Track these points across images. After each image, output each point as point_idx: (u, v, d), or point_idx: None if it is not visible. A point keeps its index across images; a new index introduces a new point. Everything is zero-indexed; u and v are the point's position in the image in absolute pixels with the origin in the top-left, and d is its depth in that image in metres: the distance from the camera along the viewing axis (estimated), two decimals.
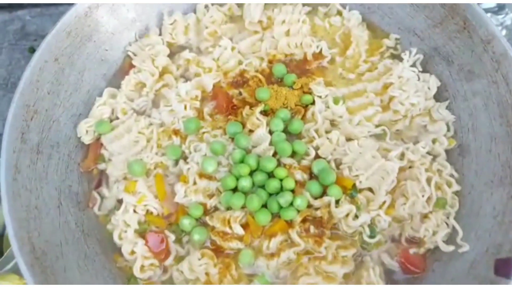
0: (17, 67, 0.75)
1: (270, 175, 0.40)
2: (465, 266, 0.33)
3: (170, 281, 0.39)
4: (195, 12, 0.52)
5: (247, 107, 0.44)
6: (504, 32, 0.67)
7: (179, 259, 0.39)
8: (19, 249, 0.34)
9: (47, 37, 0.44)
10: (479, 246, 0.33)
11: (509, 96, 0.35)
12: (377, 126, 0.42)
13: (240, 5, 0.51)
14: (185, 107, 0.45)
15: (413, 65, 0.43)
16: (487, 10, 0.70)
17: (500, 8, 0.71)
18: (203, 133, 0.44)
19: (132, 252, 0.39)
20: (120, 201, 0.42)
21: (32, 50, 0.76)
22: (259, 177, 0.40)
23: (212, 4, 0.52)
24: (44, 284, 0.33)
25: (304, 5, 0.49)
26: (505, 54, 0.35)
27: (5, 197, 0.36)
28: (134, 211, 0.41)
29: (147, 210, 0.41)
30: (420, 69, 0.43)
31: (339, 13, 0.48)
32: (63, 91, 0.45)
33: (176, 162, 0.43)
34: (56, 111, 0.44)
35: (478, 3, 0.73)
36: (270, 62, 0.47)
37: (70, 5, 0.76)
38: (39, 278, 0.33)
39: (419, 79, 0.43)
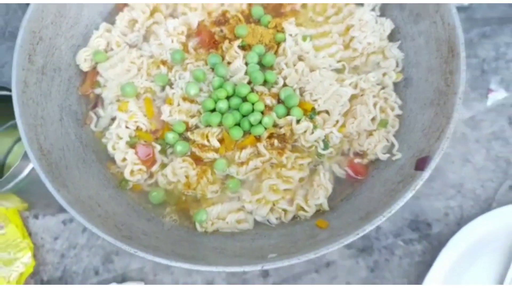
0: (14, 18, 0.76)
1: (244, 99, 0.47)
2: (396, 169, 0.40)
3: (156, 184, 0.46)
4: None
5: (227, 42, 0.50)
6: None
7: (163, 166, 0.46)
8: (29, 145, 0.40)
9: None
10: (408, 153, 0.41)
11: (444, 32, 0.41)
12: (338, 61, 0.48)
13: None
14: (172, 41, 0.50)
15: (373, 9, 0.50)
16: None
17: None
18: (187, 64, 0.50)
19: (123, 160, 0.46)
20: (113, 120, 0.48)
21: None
22: (235, 101, 0.46)
23: None
24: (50, 175, 0.40)
25: None
26: None
27: (16, 105, 0.42)
28: (126, 126, 0.47)
29: (137, 127, 0.47)
30: (378, 13, 0.49)
31: None
32: (65, 23, 0.51)
33: (163, 88, 0.49)
34: (58, 40, 0.50)
35: None
36: (249, 4, 0.53)
37: None
38: (46, 169, 0.40)
39: (376, 22, 0.49)
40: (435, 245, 0.57)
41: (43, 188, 0.53)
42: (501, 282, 0.55)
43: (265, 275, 0.57)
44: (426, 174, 0.36)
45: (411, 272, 0.57)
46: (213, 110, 0.46)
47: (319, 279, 0.57)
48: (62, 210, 0.60)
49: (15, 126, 0.63)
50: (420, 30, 0.45)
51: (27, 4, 0.78)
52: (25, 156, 0.48)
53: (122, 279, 0.58)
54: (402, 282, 0.57)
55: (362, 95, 0.45)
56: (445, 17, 0.41)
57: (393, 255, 0.58)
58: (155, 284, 0.57)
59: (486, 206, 0.60)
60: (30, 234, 0.61)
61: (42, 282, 0.59)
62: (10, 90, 0.53)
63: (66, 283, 0.59)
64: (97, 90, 0.50)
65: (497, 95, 0.67)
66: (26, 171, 0.51)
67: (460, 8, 0.73)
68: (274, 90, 0.47)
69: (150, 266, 0.58)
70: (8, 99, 0.51)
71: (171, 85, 0.49)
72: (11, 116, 0.62)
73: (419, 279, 0.54)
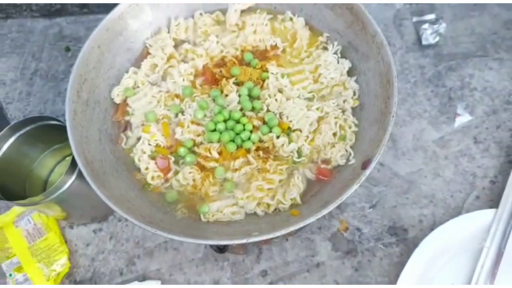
0: (55, 63, 0.91)
1: (237, 122, 0.61)
2: (350, 170, 0.53)
3: (170, 187, 0.60)
4: (193, 17, 0.73)
5: (225, 79, 0.65)
6: (437, 38, 0.86)
7: (176, 173, 0.59)
8: (78, 156, 0.53)
9: (94, 31, 0.64)
10: (359, 158, 0.54)
11: (384, 69, 0.55)
12: (309, 92, 0.63)
13: (224, 13, 0.73)
14: (183, 80, 0.65)
15: (335, 52, 0.65)
16: (427, 21, 0.86)
17: (436, 19, 0.91)
18: (195, 96, 0.64)
19: (146, 169, 0.59)
20: (139, 139, 0.62)
21: (68, 49, 0.91)
22: (230, 123, 0.60)
23: (205, 12, 0.74)
24: (93, 178, 0.54)
25: (267, 13, 0.71)
26: (382, 43, 0.56)
27: (69, 128, 0.56)
28: (148, 144, 0.60)
29: (157, 144, 0.60)
30: (339, 56, 0.65)
31: (291, 19, 0.69)
32: (103, 68, 0.66)
33: (176, 115, 0.63)
34: (98, 80, 0.64)
35: (416, 18, 0.91)
36: (242, 51, 0.67)
37: (99, 14, 0.95)
38: (90, 173, 0.53)
39: (338, 62, 0.64)
40: (411, 248, 0.63)
41: (79, 200, 0.65)
42: (469, 282, 0.59)
43: (264, 274, 0.67)
44: (368, 171, 0.48)
45: (391, 272, 0.64)
46: (214, 130, 0.61)
47: (310, 277, 0.66)
48: (93, 220, 0.72)
49: (57, 150, 0.77)
50: (369, 67, 0.60)
51: (67, 51, 0.94)
52: (66, 173, 0.59)
53: (143, 278, 0.67)
54: (382, 280, 0.65)
55: (327, 117, 0.59)
56: (384, 57, 0.56)
57: (374, 256, 0.66)
58: (170, 283, 0.66)
59: (456, 214, 0.68)
60: (66, 241, 0.71)
61: (75, 282, 0.69)
62: (55, 119, 0.65)
63: (95, 283, 0.68)
64: (127, 117, 0.65)
65: (463, 118, 0.78)
66: (67, 185, 0.61)
67: (429, 46, 0.87)
68: (260, 114, 0.61)
69: (166, 267, 0.68)
70: (53, 127, 0.64)
71: (182, 112, 0.64)
72: (55, 141, 0.75)
73: (397, 278, 0.60)
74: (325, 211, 0.46)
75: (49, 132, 0.67)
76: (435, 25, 0.88)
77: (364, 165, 0.49)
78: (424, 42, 0.88)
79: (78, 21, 0.97)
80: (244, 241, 0.45)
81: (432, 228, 0.65)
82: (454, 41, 0.87)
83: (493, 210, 0.63)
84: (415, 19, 0.92)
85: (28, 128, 0.66)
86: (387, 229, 0.69)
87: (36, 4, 0.97)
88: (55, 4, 0.97)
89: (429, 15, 0.92)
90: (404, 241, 0.67)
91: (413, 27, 0.92)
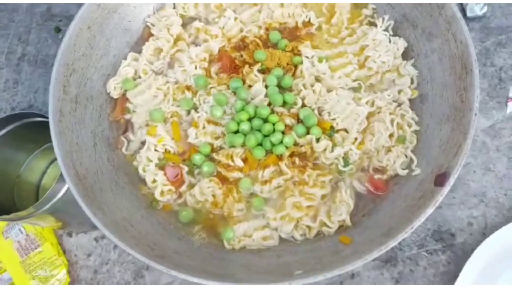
0: (44, 45, 0.81)
1: (265, 120, 0.49)
2: (415, 185, 0.42)
3: (184, 203, 0.48)
4: None
5: (247, 66, 0.52)
6: (485, 8, 0.73)
7: (191, 186, 0.48)
8: (66, 171, 0.43)
9: (81, 8, 0.52)
10: (427, 169, 0.42)
11: (457, 50, 0.43)
12: (354, 80, 0.50)
13: None
14: (196, 67, 0.53)
15: (386, 29, 0.51)
16: None
17: None
18: (211, 88, 0.52)
19: (154, 181, 0.48)
20: (143, 143, 0.51)
21: (58, 30, 0.81)
22: (256, 122, 0.49)
23: None
24: (87, 199, 0.43)
25: None
26: (453, 16, 0.43)
27: (54, 134, 0.45)
28: (155, 149, 0.49)
29: (165, 149, 0.49)
30: (391, 33, 0.51)
31: None
32: (95, 54, 0.54)
33: (188, 112, 0.52)
34: (89, 70, 0.53)
35: None
36: (267, 29, 0.55)
37: None
38: (82, 194, 0.42)
39: (390, 41, 0.50)
40: (459, 255, 0.58)
41: (77, 207, 0.56)
42: None
43: None
44: (446, 189, 0.37)
45: (437, 283, 0.57)
46: (236, 132, 0.49)
47: None
48: (94, 227, 0.63)
49: (49, 149, 0.67)
50: (433, 47, 0.47)
51: (58, 32, 0.83)
52: (59, 178, 0.50)
53: None
54: None
55: (379, 113, 0.47)
56: (457, 35, 0.43)
57: (417, 265, 0.59)
58: None
59: (510, 215, 0.61)
60: (64, 252, 0.64)
61: None
62: (43, 116, 0.57)
63: None
64: (127, 116, 0.54)
65: None
66: (61, 193, 0.52)
67: (475, 18, 0.75)
68: (293, 110, 0.49)
69: (179, 281, 0.60)
70: (42, 124, 0.54)
71: (196, 109, 0.52)
72: (45, 140, 0.65)
73: None
74: (391, 243, 0.35)
75: (37, 129, 0.57)
76: None
77: (439, 180, 0.38)
78: (469, 14, 0.77)
79: None
80: (285, 285, 0.34)
81: (483, 232, 0.60)
82: (504, 12, 0.75)
83: None
84: None
85: (11, 126, 0.57)
86: (431, 233, 0.62)
87: None
88: None
89: None
90: (451, 247, 0.60)
91: None
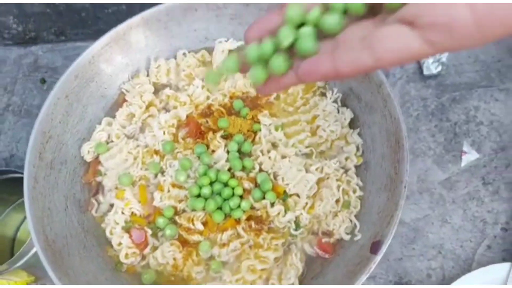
0: (29, 96, 0.84)
1: (225, 184, 0.53)
2: (356, 250, 0.45)
3: (147, 266, 0.51)
4: (175, 58, 0.66)
5: (211, 132, 0.57)
6: (440, 67, 0.81)
7: (154, 248, 0.51)
8: (36, 237, 0.46)
9: (60, 79, 0.56)
10: (367, 234, 0.45)
11: (392, 125, 0.48)
12: (307, 147, 0.55)
13: (210, 53, 0.65)
14: (164, 133, 0.58)
15: (335, 101, 0.57)
16: None
17: None
18: (177, 153, 0.57)
19: (119, 244, 0.51)
20: (112, 205, 0.54)
21: (43, 81, 0.84)
22: (217, 186, 0.52)
23: (189, 52, 0.66)
24: (53, 264, 0.46)
25: None
26: (389, 95, 0.48)
27: (27, 200, 0.49)
28: (122, 212, 0.52)
29: (132, 212, 0.53)
30: (340, 104, 0.57)
31: None
32: (71, 121, 0.58)
33: (156, 175, 0.56)
34: (65, 136, 0.57)
35: None
36: (231, 97, 0.60)
37: (78, 42, 0.88)
38: (50, 259, 0.45)
39: (338, 111, 0.56)
40: None
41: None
42: None
43: None
44: (378, 257, 0.40)
45: None
46: (198, 196, 0.53)
47: None
48: None
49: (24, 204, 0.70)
50: (374, 120, 0.52)
51: (43, 84, 0.87)
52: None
53: None
54: None
55: (327, 179, 0.51)
56: (391, 112, 0.48)
57: None
58: None
59: (467, 267, 0.62)
60: None
61: None
62: (20, 173, 0.58)
63: None
64: (99, 178, 0.57)
65: (470, 156, 0.72)
66: (35, 249, 0.54)
67: (431, 76, 0.81)
68: (252, 175, 0.53)
69: None
70: (18, 179, 0.54)
71: (162, 172, 0.56)
72: (21, 194, 0.68)
73: None
74: None
75: (14, 183, 0.59)
76: (436, 55, 0.83)
77: (373, 248, 0.41)
78: (425, 72, 0.83)
79: (55, 50, 0.91)
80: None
81: (441, 284, 0.61)
82: (457, 70, 0.82)
83: (507, 264, 0.58)
84: None
85: None
86: (392, 285, 0.64)
87: (9, 32, 0.90)
88: (30, 31, 0.90)
89: None
90: None
91: None
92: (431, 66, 0.82)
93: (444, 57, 0.81)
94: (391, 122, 0.48)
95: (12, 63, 0.89)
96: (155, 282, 0.49)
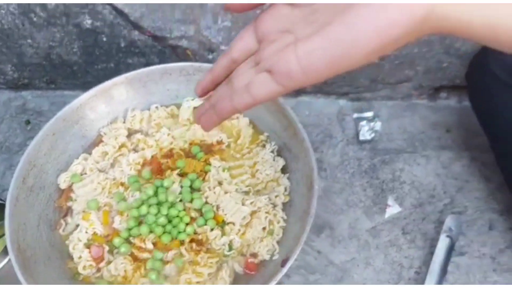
0: (13, 135, 0.93)
1: (176, 214, 0.65)
2: (273, 266, 0.56)
3: (101, 277, 0.60)
4: (149, 109, 0.80)
5: (169, 170, 0.70)
6: (373, 134, 0.97)
7: (108, 262, 0.60)
8: (11, 245, 0.54)
9: (50, 120, 0.68)
10: (282, 254, 0.57)
11: (309, 172, 0.61)
12: (246, 186, 0.68)
13: (178, 108, 0.81)
14: (131, 169, 0.70)
15: (272, 151, 0.71)
16: (365, 118, 0.99)
17: (373, 117, 1.02)
18: (140, 186, 0.69)
19: (80, 257, 0.60)
20: (77, 226, 0.64)
21: (28, 122, 0.94)
22: (170, 213, 0.64)
23: (161, 106, 0.81)
24: (23, 268, 0.54)
25: None
26: (308, 149, 0.62)
27: (7, 215, 0.58)
28: (86, 232, 0.63)
29: (94, 232, 0.63)
30: (275, 154, 0.71)
31: (238, 118, 0.78)
32: (54, 154, 0.69)
33: (118, 203, 0.68)
34: (47, 166, 0.68)
35: (356, 114, 1.01)
36: (190, 144, 0.74)
37: (66, 90, 1.00)
38: (21, 263, 0.53)
39: (274, 159, 0.70)
40: None
41: (13, 281, 0.64)
42: None
43: None
44: (285, 269, 0.51)
45: None
46: (154, 222, 0.63)
47: None
48: None
49: None
50: (298, 167, 0.66)
51: (27, 125, 0.97)
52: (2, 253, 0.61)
53: None
54: None
55: (259, 211, 0.63)
56: (309, 162, 0.62)
57: None
58: None
59: None
60: None
61: None
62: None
63: None
64: (69, 203, 0.67)
65: (393, 209, 0.85)
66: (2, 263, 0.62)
67: (366, 141, 0.96)
68: (198, 206, 0.65)
69: None
70: None
71: (125, 200, 0.67)
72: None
73: None
74: None
75: None
76: (371, 123, 0.98)
77: (283, 263, 0.53)
78: (361, 138, 0.97)
79: (44, 96, 1.01)
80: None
81: None
82: (388, 138, 0.97)
83: None
84: (355, 115, 1.02)
85: None
86: (388, 284, 0.71)
87: (4, 77, 1.01)
88: (24, 78, 1.01)
89: (367, 113, 1.02)
90: None
91: (353, 122, 1.02)
92: (366, 133, 0.98)
93: (378, 126, 0.97)
94: (309, 169, 0.61)
95: (1, 105, 0.99)
96: None
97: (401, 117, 1.00)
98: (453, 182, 0.87)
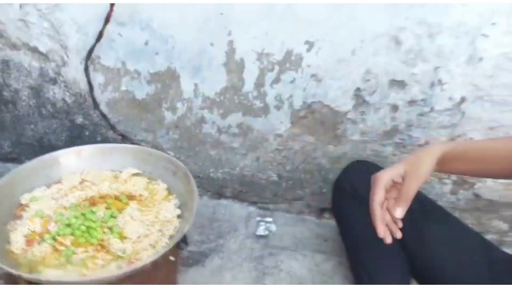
0: None
1: (95, 228, 0.93)
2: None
3: (26, 255, 0.85)
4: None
5: (100, 204, 1.02)
6: (267, 232, 1.23)
7: (36, 249, 0.87)
8: None
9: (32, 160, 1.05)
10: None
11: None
12: (149, 222, 0.99)
13: (120, 172, 1.17)
14: (75, 200, 1.02)
15: (175, 205, 1.05)
16: (265, 221, 1.29)
17: (271, 222, 1.30)
18: (77, 209, 0.99)
19: (17, 242, 0.87)
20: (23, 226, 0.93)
21: None
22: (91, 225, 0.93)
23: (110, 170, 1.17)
24: None
25: (148, 178, 1.14)
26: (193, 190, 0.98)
27: None
28: (28, 228, 0.90)
29: (34, 230, 0.91)
30: (176, 207, 1.05)
31: (159, 184, 1.13)
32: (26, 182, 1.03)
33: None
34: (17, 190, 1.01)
35: (259, 218, 1.36)
36: (121, 193, 1.08)
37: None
38: None
39: (174, 210, 1.04)
40: None
41: None
42: None
43: None
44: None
45: None
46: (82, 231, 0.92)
47: None
48: None
49: None
50: (187, 216, 1.00)
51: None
52: None
53: None
54: None
55: (151, 234, 0.93)
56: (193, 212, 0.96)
57: None
58: None
59: None
60: None
61: None
62: None
63: None
64: (23, 213, 0.97)
65: None
66: None
67: (261, 236, 1.22)
68: (110, 224, 0.95)
69: None
70: None
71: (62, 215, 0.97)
72: None
73: None
74: None
75: None
76: (268, 224, 1.28)
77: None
78: (257, 233, 1.24)
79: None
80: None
81: None
82: (279, 238, 1.21)
83: None
84: (258, 218, 1.32)
85: None
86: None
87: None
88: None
89: (268, 218, 1.32)
90: None
91: (256, 223, 1.31)
92: (262, 230, 1.25)
93: (273, 227, 1.26)
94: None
95: None
96: (28, 265, 0.83)
97: (293, 225, 1.30)
98: (321, 277, 1.09)
